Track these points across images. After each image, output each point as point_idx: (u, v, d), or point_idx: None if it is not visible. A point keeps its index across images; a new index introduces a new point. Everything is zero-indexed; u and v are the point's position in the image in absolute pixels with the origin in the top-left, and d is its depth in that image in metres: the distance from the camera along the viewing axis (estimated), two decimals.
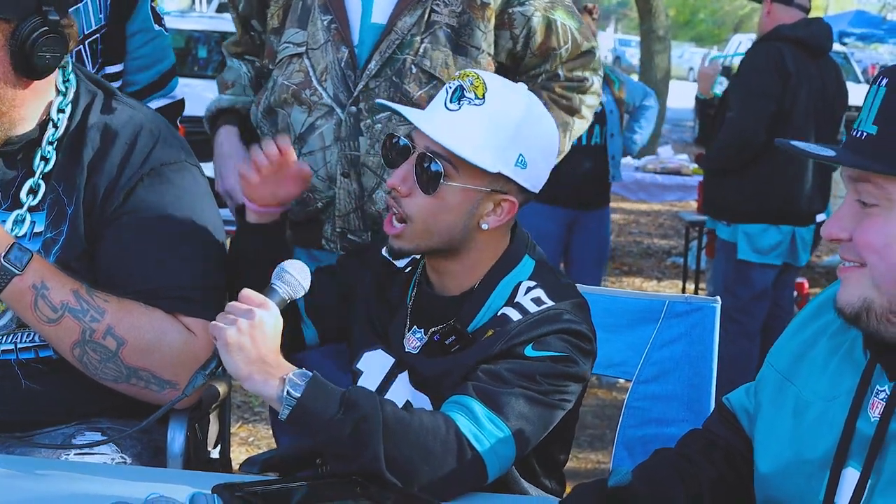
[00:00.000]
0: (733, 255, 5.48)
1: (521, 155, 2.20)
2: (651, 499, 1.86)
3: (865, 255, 1.68)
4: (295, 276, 2.20)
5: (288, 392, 2.02)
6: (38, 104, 2.39)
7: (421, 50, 2.83)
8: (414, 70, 2.82)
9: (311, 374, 2.05)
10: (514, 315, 2.20)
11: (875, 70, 23.14)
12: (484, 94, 2.19)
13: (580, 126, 3.06)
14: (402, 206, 2.22)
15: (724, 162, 5.42)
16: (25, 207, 2.37)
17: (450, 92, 2.21)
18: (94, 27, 3.05)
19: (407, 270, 2.40)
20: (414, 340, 2.30)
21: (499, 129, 2.18)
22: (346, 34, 2.86)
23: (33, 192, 2.38)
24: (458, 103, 2.19)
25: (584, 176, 6.26)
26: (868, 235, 1.68)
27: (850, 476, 1.71)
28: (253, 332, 2.06)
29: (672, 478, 1.91)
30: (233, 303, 2.12)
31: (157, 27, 3.21)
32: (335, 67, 2.87)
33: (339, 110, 2.84)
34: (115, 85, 2.97)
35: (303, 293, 2.22)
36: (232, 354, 2.06)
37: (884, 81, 1.67)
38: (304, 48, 2.91)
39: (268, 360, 2.06)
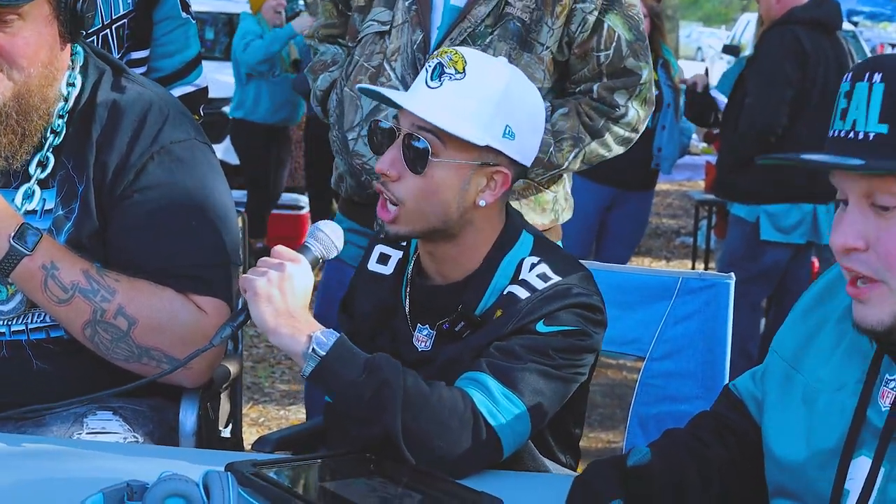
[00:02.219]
0: (749, 232, 5.46)
1: (507, 126, 2.17)
2: (666, 476, 1.85)
3: (892, 264, 1.59)
4: (329, 236, 2.19)
5: (314, 349, 2.02)
6: (65, 72, 2.39)
7: (488, 41, 2.82)
8: None
9: (338, 334, 2.05)
10: (522, 293, 2.18)
11: (883, 49, 23.07)
12: (464, 68, 2.16)
13: (597, 151, 2.93)
14: (393, 191, 2.18)
15: (747, 150, 5.39)
16: (34, 180, 2.36)
17: (429, 70, 2.18)
18: (122, 12, 3.04)
19: (394, 271, 2.37)
20: (423, 338, 2.28)
21: (482, 101, 2.15)
22: (425, 17, 2.87)
23: (42, 164, 2.36)
24: (440, 80, 2.16)
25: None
26: (892, 244, 1.59)
27: (863, 464, 1.69)
28: (283, 284, 2.05)
29: (685, 456, 1.90)
30: (265, 258, 2.11)
31: (184, 15, 3.20)
32: (407, 49, 2.88)
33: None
34: (140, 71, 2.97)
35: (336, 253, 2.21)
36: (260, 305, 2.05)
37: (878, 77, 1.59)
38: (388, 27, 2.92)
39: (296, 315, 2.06)
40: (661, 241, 10.77)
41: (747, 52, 9.42)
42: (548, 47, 2.84)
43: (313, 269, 2.15)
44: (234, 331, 2.14)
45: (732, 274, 2.63)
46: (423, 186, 2.16)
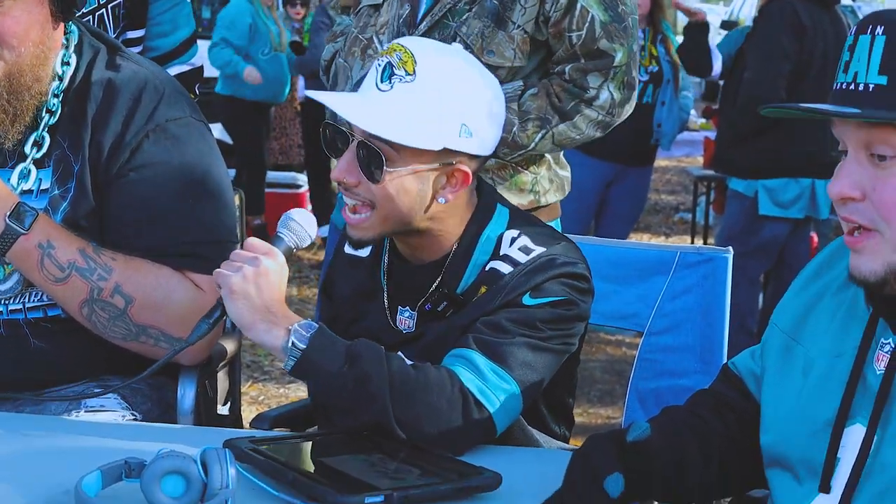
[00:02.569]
0: (747, 207, 5.45)
1: (463, 125, 2.11)
2: (666, 452, 1.85)
3: (889, 215, 1.61)
4: (301, 224, 2.15)
5: (293, 343, 2.00)
6: (59, 52, 2.38)
7: (464, 17, 2.80)
8: (457, 39, 2.78)
9: (316, 325, 2.03)
10: (505, 268, 2.15)
11: None
12: (414, 69, 2.09)
13: (567, 133, 2.86)
14: (361, 193, 2.13)
15: (745, 124, 5.38)
16: (29, 160, 2.35)
17: (379, 70, 2.12)
18: None
19: (371, 254, 2.33)
20: (405, 320, 2.25)
21: (435, 104, 2.09)
22: None
23: (38, 144, 2.36)
24: (390, 82, 2.09)
25: (628, 132, 6.19)
26: (886, 194, 1.61)
27: (857, 432, 1.69)
28: (258, 279, 2.02)
29: (686, 432, 1.90)
30: (238, 251, 2.08)
31: None
32: (395, 23, 2.88)
33: None
34: (136, 50, 2.96)
35: (309, 241, 2.18)
36: (236, 302, 2.03)
37: (880, 30, 1.61)
38: (382, 1, 2.92)
39: (273, 310, 2.03)
40: (660, 217, 10.77)
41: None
42: (520, 26, 2.79)
43: (287, 258, 2.12)
44: (210, 328, 2.10)
45: (730, 248, 2.62)
46: (383, 193, 2.11)
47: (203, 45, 9.05)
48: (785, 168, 5.36)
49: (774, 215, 5.42)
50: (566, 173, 3.12)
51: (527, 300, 2.12)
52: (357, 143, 2.11)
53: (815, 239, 7.65)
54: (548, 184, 3.01)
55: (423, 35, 2.80)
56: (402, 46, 2.12)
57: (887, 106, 1.60)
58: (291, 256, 2.17)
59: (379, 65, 2.13)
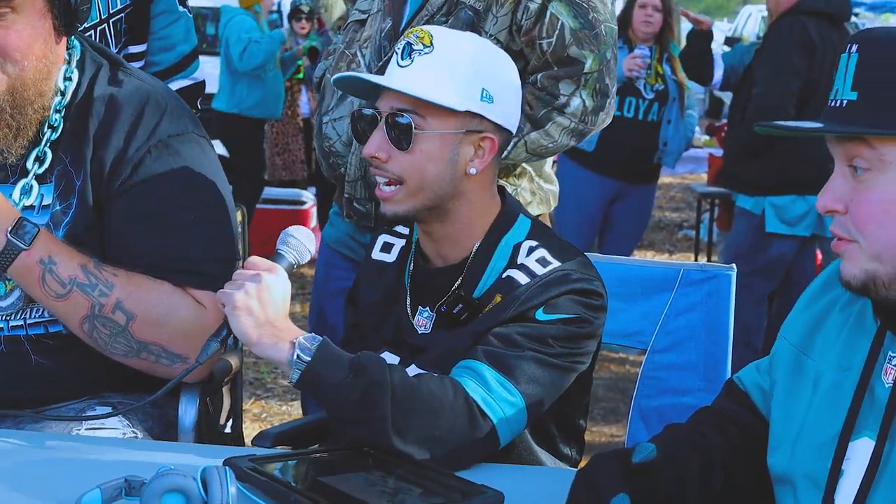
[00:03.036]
0: (755, 225, 5.45)
1: (484, 89, 2.19)
2: (669, 470, 1.84)
3: (863, 228, 1.66)
4: (301, 241, 2.19)
5: (298, 356, 2.03)
6: (61, 66, 2.38)
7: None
8: None
9: (320, 338, 2.06)
10: (521, 278, 2.18)
11: None
12: (431, 42, 2.19)
13: (539, 141, 2.83)
14: (388, 170, 2.21)
15: (754, 140, 5.37)
16: (31, 175, 2.34)
17: (399, 52, 2.21)
18: (119, 7, 3.04)
19: (397, 258, 2.38)
20: (423, 321, 2.28)
21: (455, 68, 2.18)
22: (398, 7, 2.90)
23: (39, 160, 2.35)
24: (410, 58, 2.19)
25: (633, 149, 6.22)
26: (865, 207, 1.66)
27: (864, 446, 1.69)
28: (261, 294, 2.06)
29: (688, 449, 1.89)
30: (240, 270, 2.12)
31: (181, 8, 3.20)
32: (377, 37, 2.92)
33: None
34: (138, 65, 2.96)
35: (309, 257, 2.21)
36: (240, 318, 2.05)
37: (854, 48, 1.69)
38: (367, 16, 2.98)
39: (277, 324, 2.06)
40: (664, 235, 10.76)
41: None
42: (492, 35, 2.81)
43: (288, 274, 2.15)
44: (218, 346, 2.14)
45: (734, 265, 2.61)
46: (414, 161, 2.18)
47: (209, 62, 9.11)
48: (792, 185, 5.35)
49: (781, 233, 5.41)
50: (552, 187, 3.11)
51: (539, 315, 2.13)
52: (384, 119, 2.20)
53: (820, 256, 7.65)
54: (529, 196, 3.01)
55: None
56: (418, 29, 2.22)
57: (858, 120, 1.65)
58: (294, 273, 2.20)
59: (398, 48, 2.21)
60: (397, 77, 2.18)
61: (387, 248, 2.41)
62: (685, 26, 6.44)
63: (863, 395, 1.70)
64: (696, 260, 8.71)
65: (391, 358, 2.28)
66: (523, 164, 2.96)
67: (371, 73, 2.91)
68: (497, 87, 2.21)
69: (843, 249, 1.70)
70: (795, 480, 1.78)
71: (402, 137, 2.18)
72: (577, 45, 2.80)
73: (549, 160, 3.10)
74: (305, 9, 9.42)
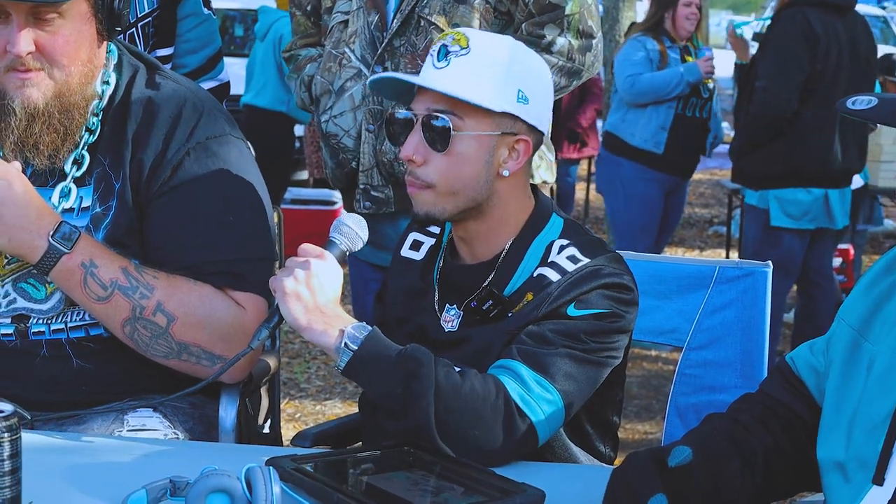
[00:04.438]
0: (762, 220, 5.43)
1: (520, 90, 2.20)
2: (706, 472, 1.83)
3: None
4: (352, 228, 2.20)
5: (346, 344, 2.05)
6: (98, 75, 2.40)
7: (426, 1, 2.93)
8: (422, 23, 2.93)
9: (370, 327, 2.07)
10: (553, 275, 2.18)
11: None
12: (468, 44, 2.19)
13: None
14: (421, 176, 2.21)
15: (758, 133, 5.36)
16: (70, 178, 2.37)
17: (434, 54, 2.21)
18: (147, 10, 3.07)
19: (426, 255, 2.39)
20: (450, 318, 2.29)
21: (492, 69, 2.18)
22: (379, 0, 2.98)
23: (77, 163, 2.37)
24: (446, 59, 2.19)
25: (697, 148, 6.42)
26: None
27: None
28: (310, 280, 2.08)
29: (726, 448, 1.88)
30: (292, 257, 2.13)
31: (206, 10, 3.24)
32: (365, 31, 3.00)
33: (365, 71, 2.96)
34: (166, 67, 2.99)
35: (361, 245, 2.23)
36: (290, 304, 2.07)
37: None
38: (348, 16, 3.05)
39: (326, 311, 2.08)
40: (694, 231, 10.72)
41: None
42: None
43: (340, 262, 2.16)
44: (270, 332, 2.17)
45: (769, 262, 2.61)
46: (450, 163, 2.19)
47: (237, 63, 9.09)
48: (796, 177, 5.33)
49: (786, 226, 5.39)
50: (551, 156, 3.22)
51: (571, 311, 2.14)
52: (421, 121, 2.20)
53: (852, 251, 7.61)
54: (538, 159, 3.12)
55: (395, 32, 2.96)
56: (454, 31, 2.23)
57: None
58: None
59: (433, 51, 2.22)
60: (434, 78, 2.19)
61: (416, 245, 2.41)
62: (713, 21, 6.53)
63: None
64: (727, 256, 8.67)
65: None
66: None
67: (368, 66, 2.98)
68: (532, 88, 2.22)
69: None
70: (844, 464, 1.77)
71: (439, 140, 2.18)
72: None
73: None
74: None
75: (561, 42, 2.97)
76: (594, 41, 3.02)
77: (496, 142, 2.20)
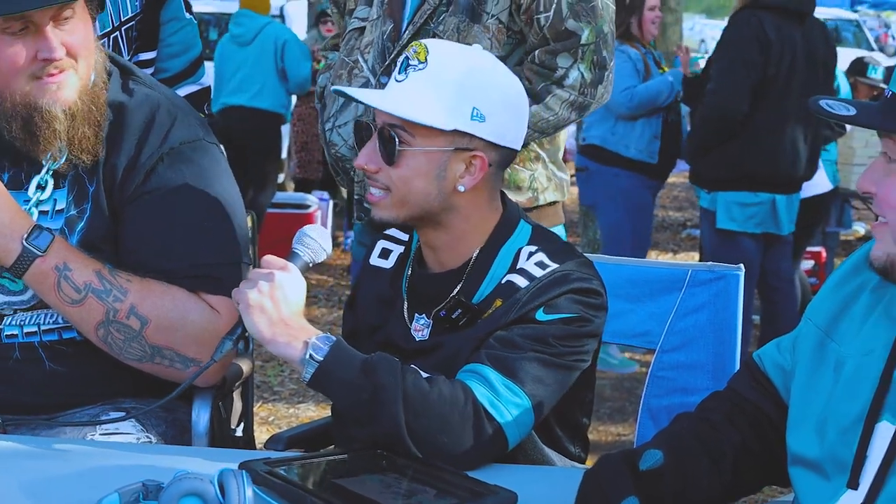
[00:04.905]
0: (712, 222, 5.46)
1: (474, 108, 2.17)
2: (676, 472, 1.85)
3: (885, 212, 1.71)
4: (316, 240, 2.20)
5: (311, 355, 2.04)
6: None
7: (440, 18, 2.86)
8: (435, 38, 2.85)
9: (334, 338, 2.07)
10: (521, 282, 2.18)
11: (888, 38, 22.97)
12: (426, 58, 2.18)
13: (541, 114, 2.86)
14: (377, 180, 2.21)
15: (708, 136, 5.39)
16: (46, 170, 2.36)
17: (398, 65, 2.22)
18: (130, 14, 3.07)
19: (395, 264, 2.38)
20: (420, 328, 2.29)
21: (444, 86, 2.17)
22: (397, 9, 2.93)
23: (55, 158, 2.36)
24: (405, 73, 2.19)
25: (674, 151, 6.48)
26: (890, 192, 1.72)
27: (885, 430, 1.71)
28: (274, 293, 2.07)
29: (695, 447, 1.90)
30: (255, 269, 2.13)
31: (187, 15, 3.23)
32: (379, 40, 2.95)
33: (372, 80, 2.92)
34: (148, 71, 2.99)
35: (324, 256, 2.23)
36: (254, 316, 2.07)
37: None
38: (366, 23, 3.01)
39: (290, 323, 2.08)
40: (668, 234, 10.77)
41: None
42: (494, 16, 2.86)
43: (303, 273, 2.16)
44: (234, 344, 2.17)
45: (742, 265, 2.63)
46: (400, 175, 2.19)
47: (209, 67, 9.07)
48: (746, 181, 5.35)
49: (730, 229, 5.41)
50: (564, 176, 3.17)
51: (540, 316, 2.15)
52: (377, 131, 2.20)
53: (824, 254, 7.66)
54: (546, 181, 3.05)
55: (406, 43, 2.89)
56: (419, 43, 2.21)
57: (883, 113, 1.71)
58: (308, 274, 2.21)
59: (398, 61, 2.21)
60: (391, 94, 2.19)
61: (385, 253, 2.41)
62: (686, 25, 6.59)
63: (889, 380, 1.72)
64: (700, 259, 8.72)
65: None
66: (537, 149, 2.99)
67: (375, 76, 2.94)
68: (491, 104, 2.19)
69: (876, 229, 1.76)
70: (817, 463, 1.79)
71: (389, 152, 2.18)
72: (574, 17, 2.85)
73: (561, 149, 3.14)
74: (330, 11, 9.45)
75: (573, 76, 2.87)
76: (606, 72, 2.92)
77: (448, 157, 2.19)
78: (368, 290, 2.41)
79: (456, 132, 2.17)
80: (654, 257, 9.49)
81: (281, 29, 8.49)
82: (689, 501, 1.87)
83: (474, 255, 2.25)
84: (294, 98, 8.87)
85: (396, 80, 2.20)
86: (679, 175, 12.26)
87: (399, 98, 2.17)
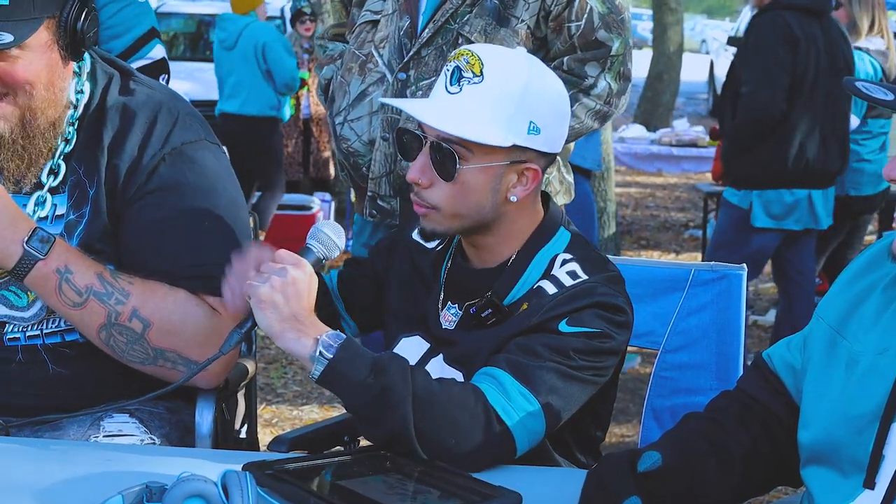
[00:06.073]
0: (738, 218, 5.46)
1: (531, 122, 2.17)
2: (682, 473, 1.85)
3: None
4: (329, 236, 2.19)
5: (320, 352, 2.03)
6: (71, 85, 2.39)
7: (465, 18, 2.87)
8: (460, 40, 2.87)
9: (344, 336, 2.06)
10: (550, 288, 2.18)
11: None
12: (482, 71, 2.15)
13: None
14: (426, 198, 2.20)
15: (748, 138, 5.39)
16: (46, 188, 2.37)
17: (448, 75, 2.18)
18: None
19: (438, 249, 2.39)
20: (449, 316, 2.30)
21: (503, 103, 2.15)
22: (413, 4, 2.94)
23: (53, 172, 2.37)
24: (458, 85, 2.16)
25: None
26: None
27: None
28: (285, 288, 2.06)
29: (702, 448, 1.90)
30: (268, 263, 2.11)
31: None
32: (395, 36, 2.96)
33: (389, 76, 2.90)
34: None
35: (338, 252, 2.21)
36: (265, 311, 2.06)
37: None
38: (380, 16, 3.01)
39: (301, 319, 2.06)
40: (670, 235, 10.75)
41: None
42: (523, 21, 2.88)
43: (316, 270, 2.16)
44: (241, 338, 2.16)
45: (745, 265, 2.62)
46: (456, 191, 2.18)
47: (212, 68, 9.05)
48: (780, 179, 5.36)
49: (769, 227, 5.42)
50: (571, 179, 3.17)
51: (563, 327, 2.14)
52: (430, 145, 2.18)
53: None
54: (558, 185, 3.10)
55: (426, 41, 2.91)
56: (469, 51, 2.18)
57: None
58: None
59: (447, 70, 2.19)
60: (443, 107, 2.16)
61: (426, 235, 2.39)
62: (687, 25, 6.57)
63: None
64: (703, 259, 8.71)
65: (423, 344, 2.30)
66: None
67: (392, 72, 2.93)
68: (545, 116, 2.19)
69: None
70: (833, 462, 1.78)
71: (446, 168, 2.16)
72: (606, 28, 2.90)
73: (570, 153, 3.16)
74: (307, 10, 9.43)
75: (602, 86, 2.92)
76: (629, 84, 2.98)
77: (504, 171, 2.19)
78: (406, 260, 2.42)
79: (513, 147, 2.17)
80: (657, 258, 9.49)
81: (260, 29, 8.43)
82: (696, 502, 1.86)
83: (512, 257, 2.25)
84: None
85: (449, 92, 2.17)
86: (681, 176, 12.29)
87: (456, 115, 2.14)
